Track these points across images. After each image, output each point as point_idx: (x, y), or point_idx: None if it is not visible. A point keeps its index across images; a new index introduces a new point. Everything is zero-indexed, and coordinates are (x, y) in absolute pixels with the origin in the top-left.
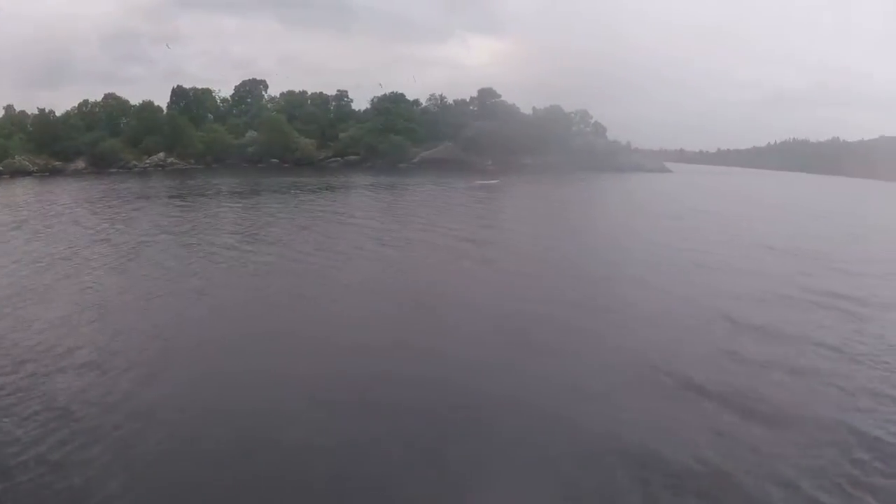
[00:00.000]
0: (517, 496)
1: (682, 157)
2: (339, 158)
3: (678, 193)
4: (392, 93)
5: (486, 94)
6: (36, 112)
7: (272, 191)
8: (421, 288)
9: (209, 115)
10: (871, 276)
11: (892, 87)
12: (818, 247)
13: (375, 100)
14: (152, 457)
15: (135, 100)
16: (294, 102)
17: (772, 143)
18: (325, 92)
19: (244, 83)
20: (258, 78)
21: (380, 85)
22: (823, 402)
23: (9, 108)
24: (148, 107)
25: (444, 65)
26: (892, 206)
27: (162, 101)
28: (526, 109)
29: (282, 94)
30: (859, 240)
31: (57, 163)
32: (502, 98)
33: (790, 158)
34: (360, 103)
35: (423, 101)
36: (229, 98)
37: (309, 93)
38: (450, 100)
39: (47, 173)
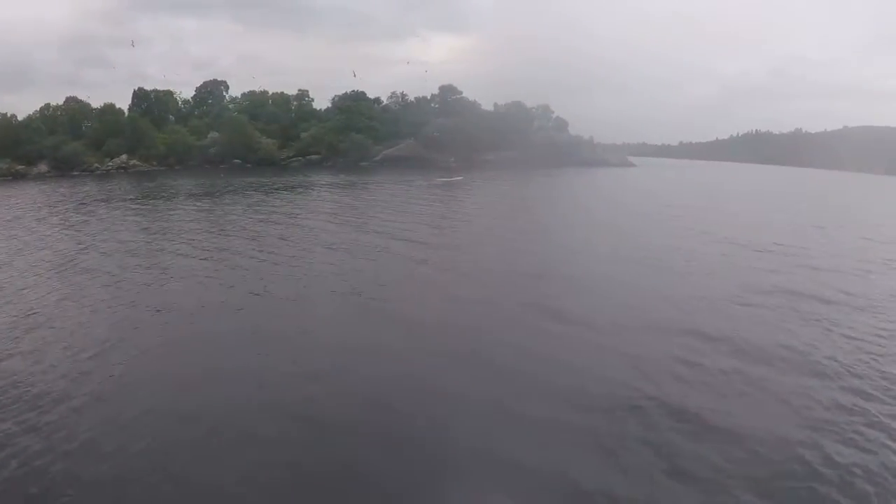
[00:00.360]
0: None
1: (645, 150)
2: (300, 158)
3: (644, 188)
4: (353, 91)
5: (448, 91)
6: None
7: (230, 192)
8: (371, 295)
9: (171, 116)
10: (838, 273)
11: (854, 77)
12: (782, 240)
13: (336, 99)
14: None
15: (97, 103)
16: (255, 103)
17: (734, 135)
18: (286, 92)
19: (205, 84)
20: (219, 79)
21: (354, 74)
22: (779, 416)
23: None
24: (109, 109)
25: (404, 63)
26: (856, 199)
27: (124, 103)
28: (487, 106)
29: (243, 95)
30: (824, 233)
31: (20, 167)
32: (463, 94)
33: (753, 150)
34: (322, 102)
35: (385, 100)
36: (191, 100)
37: (270, 93)
38: (411, 97)
39: (10, 177)
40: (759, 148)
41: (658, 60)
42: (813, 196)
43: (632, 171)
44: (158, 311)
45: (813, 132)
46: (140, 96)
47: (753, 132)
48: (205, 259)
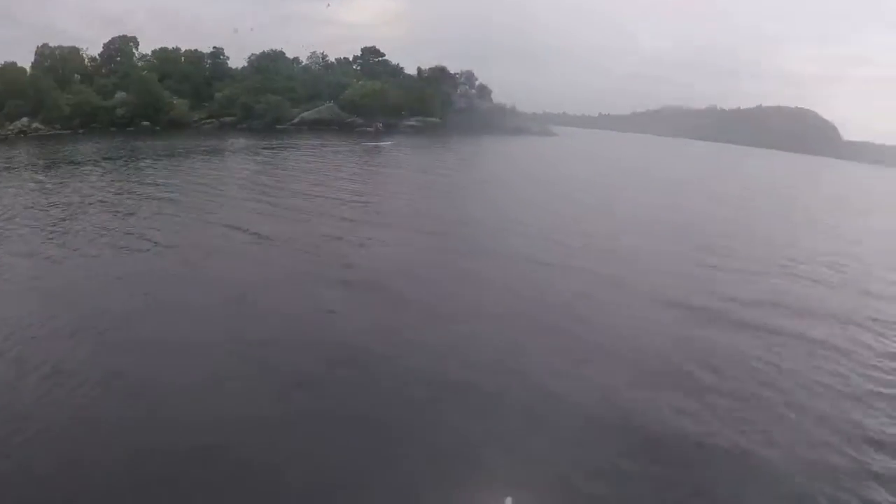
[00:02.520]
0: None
1: (565, 120)
2: (214, 120)
3: (562, 157)
4: (271, 50)
5: (370, 53)
6: None
7: (130, 158)
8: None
9: (77, 75)
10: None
11: (767, 59)
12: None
13: (253, 57)
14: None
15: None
16: (167, 60)
17: (650, 109)
18: (199, 49)
19: (113, 40)
20: (129, 35)
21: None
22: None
23: None
24: (10, 68)
25: (331, 24)
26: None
27: (28, 63)
28: (411, 70)
29: (154, 52)
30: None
31: None
32: (386, 58)
33: (669, 124)
34: (238, 62)
35: (304, 60)
36: (98, 57)
37: (183, 50)
38: (332, 58)
39: None
40: (674, 122)
41: (582, 33)
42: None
43: (555, 139)
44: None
45: (727, 109)
46: (43, 54)
47: (667, 107)
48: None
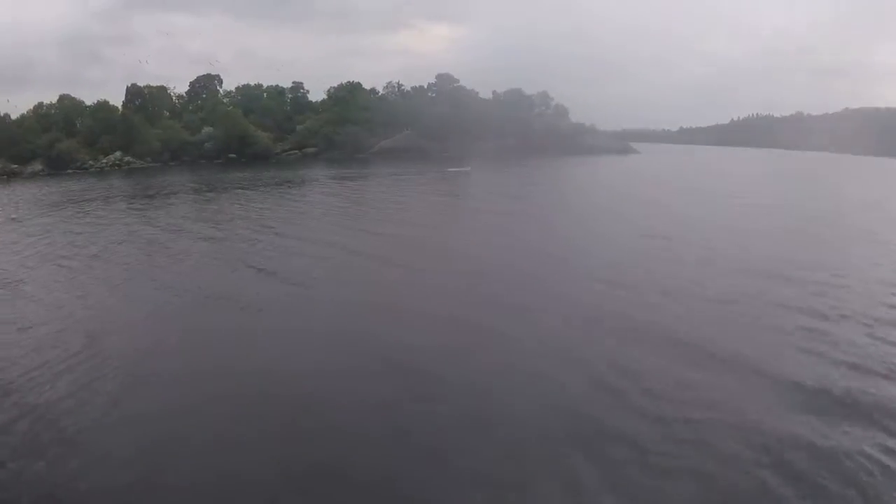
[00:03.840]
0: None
1: (646, 136)
2: (297, 151)
3: (656, 176)
4: (348, 82)
5: (445, 80)
6: None
7: (218, 189)
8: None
9: (165, 112)
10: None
11: (852, 58)
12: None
13: (332, 90)
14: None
15: (94, 101)
16: (250, 96)
17: (735, 118)
18: (280, 84)
19: (199, 79)
20: (213, 74)
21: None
22: None
23: None
24: (103, 106)
25: (400, 53)
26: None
27: (120, 101)
28: (486, 94)
29: (237, 89)
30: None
31: (14, 166)
32: (461, 83)
33: (754, 134)
34: (317, 94)
35: (381, 90)
36: (185, 95)
37: (265, 86)
38: (407, 87)
39: (4, 176)
40: (760, 132)
41: (655, 43)
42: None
43: (638, 158)
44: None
45: (815, 114)
46: (133, 92)
47: (754, 115)
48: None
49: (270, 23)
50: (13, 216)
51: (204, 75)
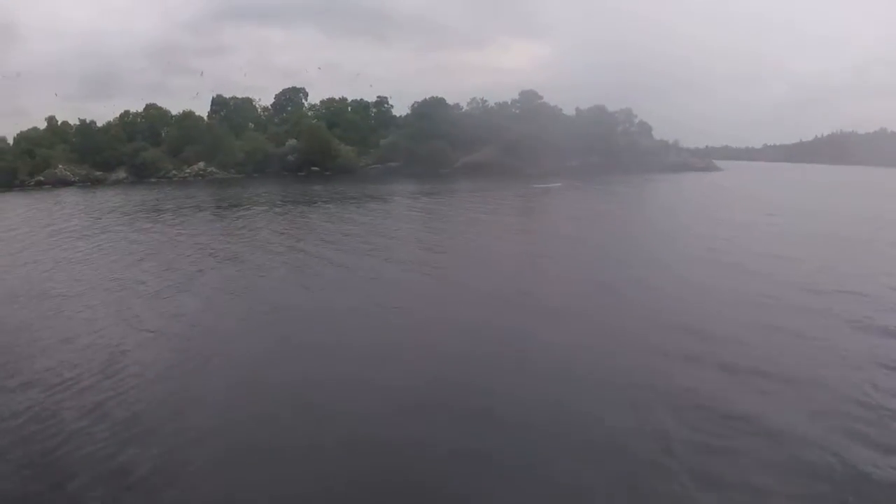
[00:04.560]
0: None
1: (728, 153)
2: (379, 165)
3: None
4: (432, 97)
5: (528, 97)
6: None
7: (301, 202)
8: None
9: (250, 123)
10: None
11: None
12: None
13: (415, 105)
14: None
15: (179, 110)
16: (334, 109)
17: (818, 135)
18: (365, 98)
19: (284, 91)
20: (298, 86)
21: None
22: None
23: (51, 120)
24: (188, 116)
25: (484, 70)
26: None
27: (207, 111)
28: (569, 111)
29: (322, 102)
30: None
31: (98, 173)
32: (544, 100)
33: (838, 152)
34: (401, 109)
35: (464, 106)
36: (270, 107)
37: (349, 100)
38: (491, 103)
39: (88, 183)
40: (844, 149)
41: (737, 60)
42: None
43: (724, 175)
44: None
45: None
46: (219, 103)
47: (838, 132)
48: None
49: (356, 38)
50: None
51: (289, 88)
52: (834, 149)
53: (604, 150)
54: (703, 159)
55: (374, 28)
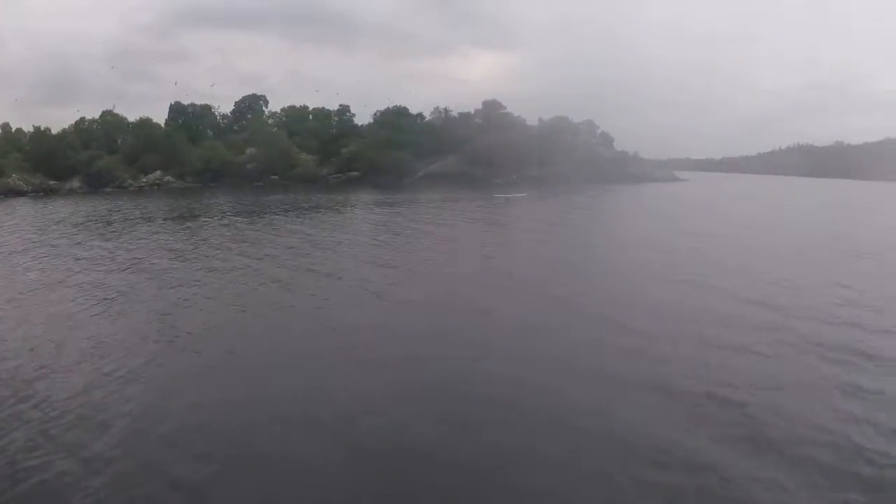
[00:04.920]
0: None
1: (689, 164)
2: (340, 175)
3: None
4: (395, 106)
5: (491, 106)
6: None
7: (254, 213)
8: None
9: (209, 131)
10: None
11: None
12: None
13: (378, 114)
14: None
15: (138, 117)
16: (295, 117)
17: (777, 148)
18: (326, 107)
19: (244, 98)
20: (262, 94)
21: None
22: None
23: (5, 127)
24: (146, 124)
25: (448, 79)
26: None
27: (163, 118)
28: (532, 121)
29: (283, 110)
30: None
31: (52, 182)
32: (507, 110)
33: (796, 164)
34: (364, 118)
35: (427, 115)
36: (229, 114)
37: (310, 107)
38: (454, 112)
39: (42, 193)
40: (800, 161)
41: (699, 76)
42: None
43: (686, 185)
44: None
45: (854, 144)
46: (177, 110)
47: (796, 145)
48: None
49: (321, 45)
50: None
51: (249, 95)
52: (791, 161)
53: (566, 161)
54: (664, 171)
55: (338, 35)
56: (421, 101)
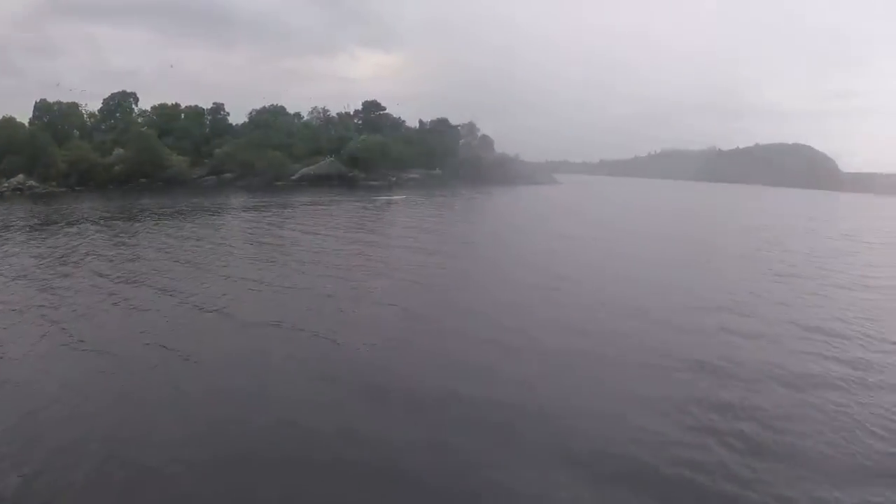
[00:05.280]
0: None
1: (567, 167)
2: (213, 177)
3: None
4: (272, 105)
5: (371, 107)
6: None
7: (117, 219)
8: None
9: (75, 131)
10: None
11: (764, 98)
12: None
13: (253, 113)
14: None
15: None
16: (167, 116)
17: (652, 152)
18: (200, 105)
19: (113, 96)
20: (128, 91)
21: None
22: None
23: None
24: (8, 123)
25: (331, 78)
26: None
27: (27, 117)
28: (413, 123)
29: (153, 108)
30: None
31: None
32: (387, 111)
33: (670, 167)
34: (240, 117)
35: (305, 115)
36: (97, 113)
37: (183, 106)
38: (333, 113)
39: None
40: (675, 164)
41: (581, 83)
42: None
43: (563, 187)
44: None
45: (726, 149)
46: (42, 108)
47: (670, 150)
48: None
49: (198, 40)
50: None
51: (119, 92)
52: (662, 165)
53: (446, 163)
54: (543, 173)
55: (216, 30)
56: (305, 100)
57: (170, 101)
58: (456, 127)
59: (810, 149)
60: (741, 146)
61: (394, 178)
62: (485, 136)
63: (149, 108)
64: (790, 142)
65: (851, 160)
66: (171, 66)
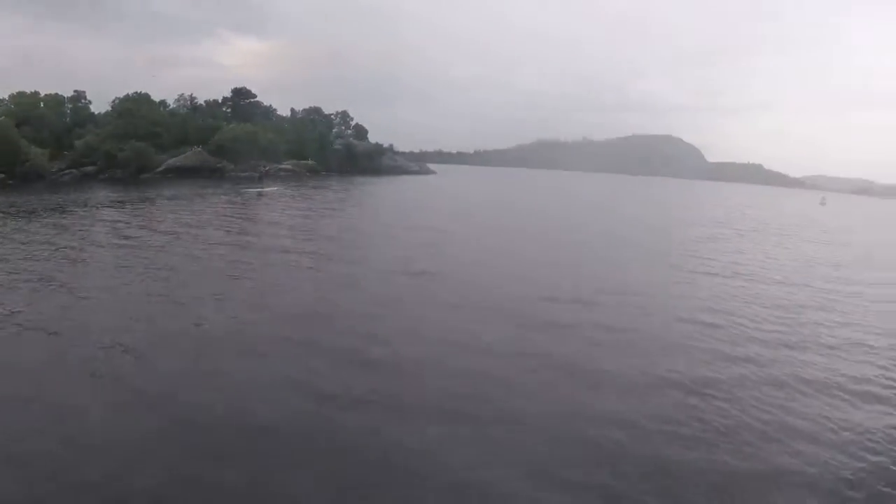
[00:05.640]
0: None
1: (440, 157)
2: (74, 170)
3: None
4: (136, 93)
5: (241, 95)
6: None
7: None
8: None
9: None
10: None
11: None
12: None
13: (116, 101)
14: None
15: None
16: (25, 105)
17: (525, 143)
18: (60, 93)
19: None
20: None
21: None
22: None
23: None
24: None
25: (201, 65)
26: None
27: None
28: (284, 111)
29: (11, 96)
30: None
31: None
32: (258, 99)
33: (542, 156)
34: (102, 105)
35: (171, 103)
36: None
37: (42, 94)
38: (201, 101)
39: None
40: (547, 154)
41: (457, 74)
42: None
43: (436, 178)
44: None
45: (598, 140)
46: None
47: (543, 140)
48: None
49: (61, 23)
50: None
51: None
52: (539, 154)
53: (319, 153)
54: (418, 163)
55: (80, 11)
56: (173, 89)
57: (26, 89)
58: (329, 116)
59: (680, 140)
60: (614, 137)
61: (265, 169)
62: (358, 126)
63: (6, 97)
64: (662, 133)
65: (715, 151)
66: (31, 52)
